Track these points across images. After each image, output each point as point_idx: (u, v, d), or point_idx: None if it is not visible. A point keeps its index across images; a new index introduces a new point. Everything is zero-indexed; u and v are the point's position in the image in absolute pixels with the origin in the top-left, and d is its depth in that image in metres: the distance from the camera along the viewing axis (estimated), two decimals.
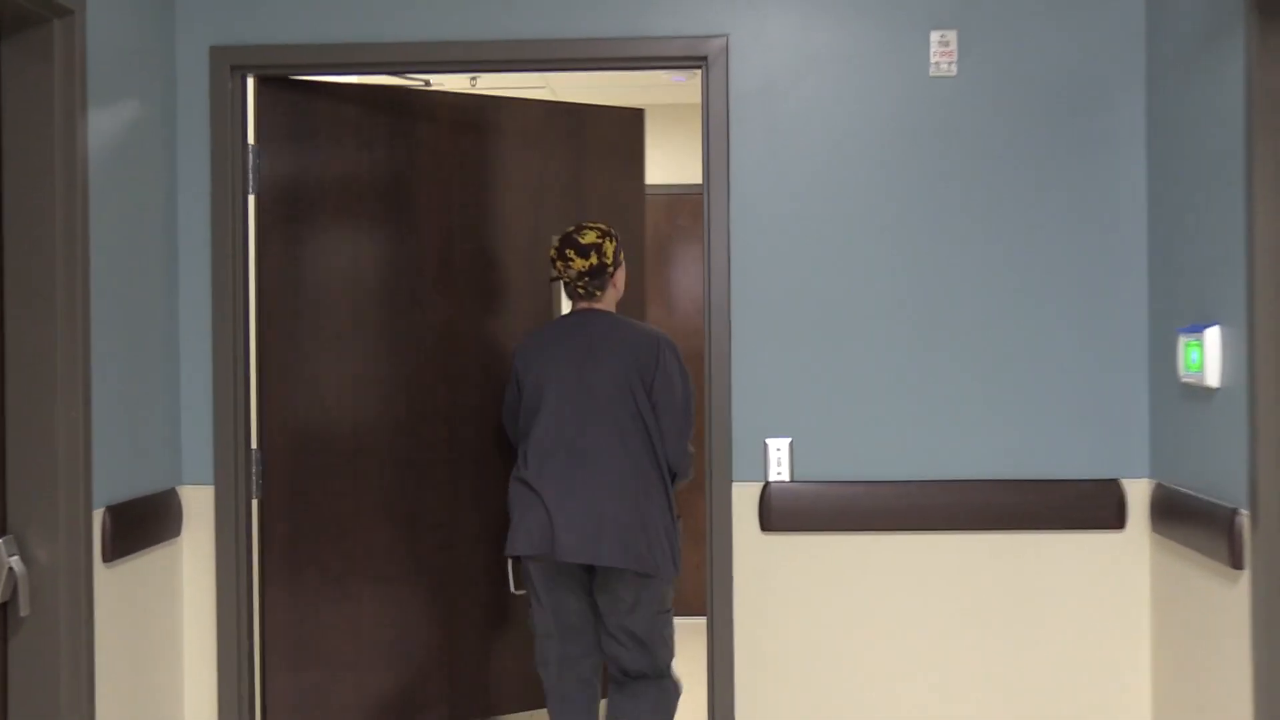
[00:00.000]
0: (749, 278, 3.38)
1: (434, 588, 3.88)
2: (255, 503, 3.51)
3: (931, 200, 3.34)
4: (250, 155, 3.48)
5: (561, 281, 3.72)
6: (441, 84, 6.46)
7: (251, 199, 3.51)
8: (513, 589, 3.58)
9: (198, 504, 3.38)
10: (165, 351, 3.30)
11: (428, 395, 3.90)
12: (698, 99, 6.89)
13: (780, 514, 3.32)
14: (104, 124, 2.89)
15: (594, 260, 3.56)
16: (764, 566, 3.34)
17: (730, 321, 3.39)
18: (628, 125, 4.40)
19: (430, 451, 3.90)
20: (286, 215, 3.64)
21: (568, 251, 3.58)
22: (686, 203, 7.07)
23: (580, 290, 3.61)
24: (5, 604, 2.65)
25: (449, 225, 3.97)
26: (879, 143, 3.34)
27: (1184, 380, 2.96)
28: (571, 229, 3.63)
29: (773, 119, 3.36)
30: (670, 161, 7.13)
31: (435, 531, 3.91)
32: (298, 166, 3.66)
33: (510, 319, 4.09)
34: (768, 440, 3.35)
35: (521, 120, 4.11)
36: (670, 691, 3.52)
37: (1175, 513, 3.05)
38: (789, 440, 3.34)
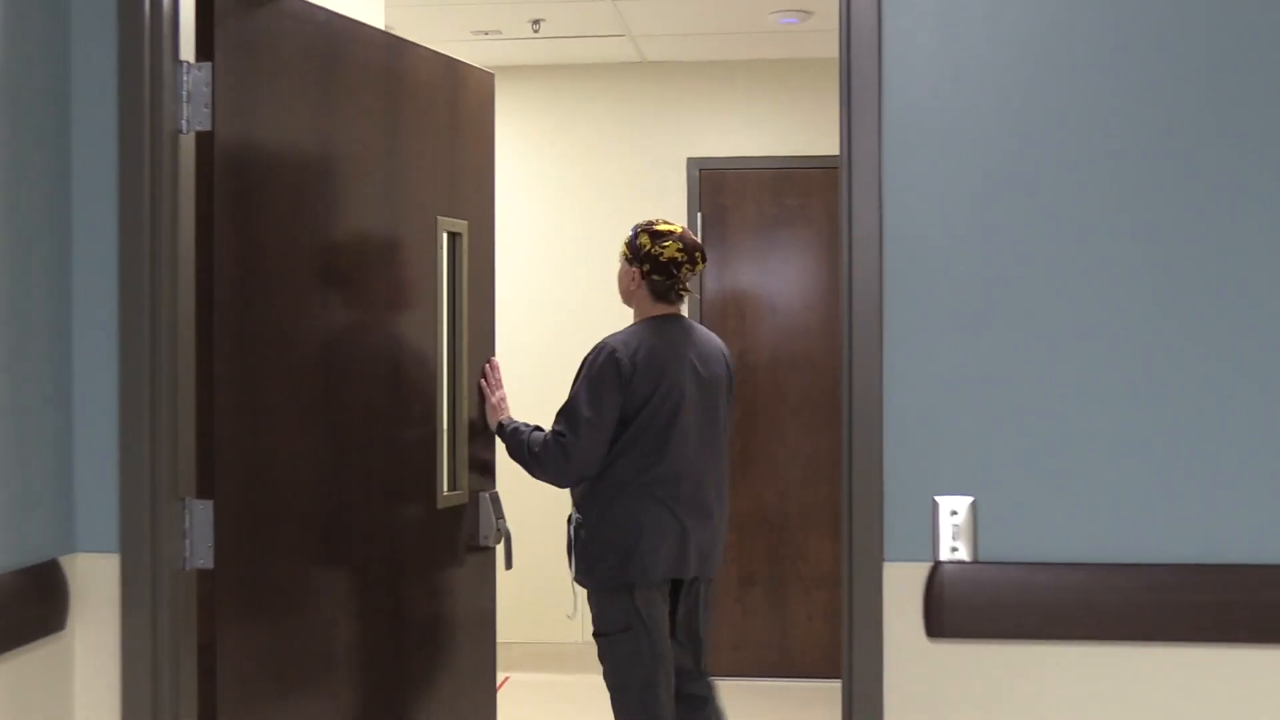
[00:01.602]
0: (912, 262, 2.28)
1: None
2: (187, 576, 2.47)
3: (1205, 139, 2.20)
4: (184, 77, 2.44)
5: (652, 281, 3.68)
6: (500, 31, 5.42)
7: (188, 141, 2.47)
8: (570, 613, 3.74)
9: (95, 580, 2.35)
10: (50, 361, 2.28)
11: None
12: (806, 51, 5.76)
13: (958, 611, 2.20)
14: None
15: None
16: (931, 691, 2.22)
17: (882, 325, 2.28)
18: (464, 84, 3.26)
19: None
20: (240, 168, 2.60)
21: (697, 255, 3.69)
22: (792, 179, 5.94)
23: (683, 292, 3.73)
24: None
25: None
26: (1120, 55, 2.21)
27: None
28: (677, 228, 3.74)
29: (949, 33, 2.25)
30: (770, 128, 6.00)
31: None
32: (260, 98, 2.62)
33: None
34: (939, 499, 2.23)
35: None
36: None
37: None
38: (970, 500, 2.22)
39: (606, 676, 3.56)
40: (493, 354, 3.48)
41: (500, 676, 4.24)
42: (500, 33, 5.44)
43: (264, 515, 2.64)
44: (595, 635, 3.56)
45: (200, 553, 2.46)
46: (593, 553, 3.49)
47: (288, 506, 2.70)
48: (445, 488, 3.19)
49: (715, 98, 6.01)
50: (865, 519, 2.26)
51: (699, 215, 5.94)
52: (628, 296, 3.76)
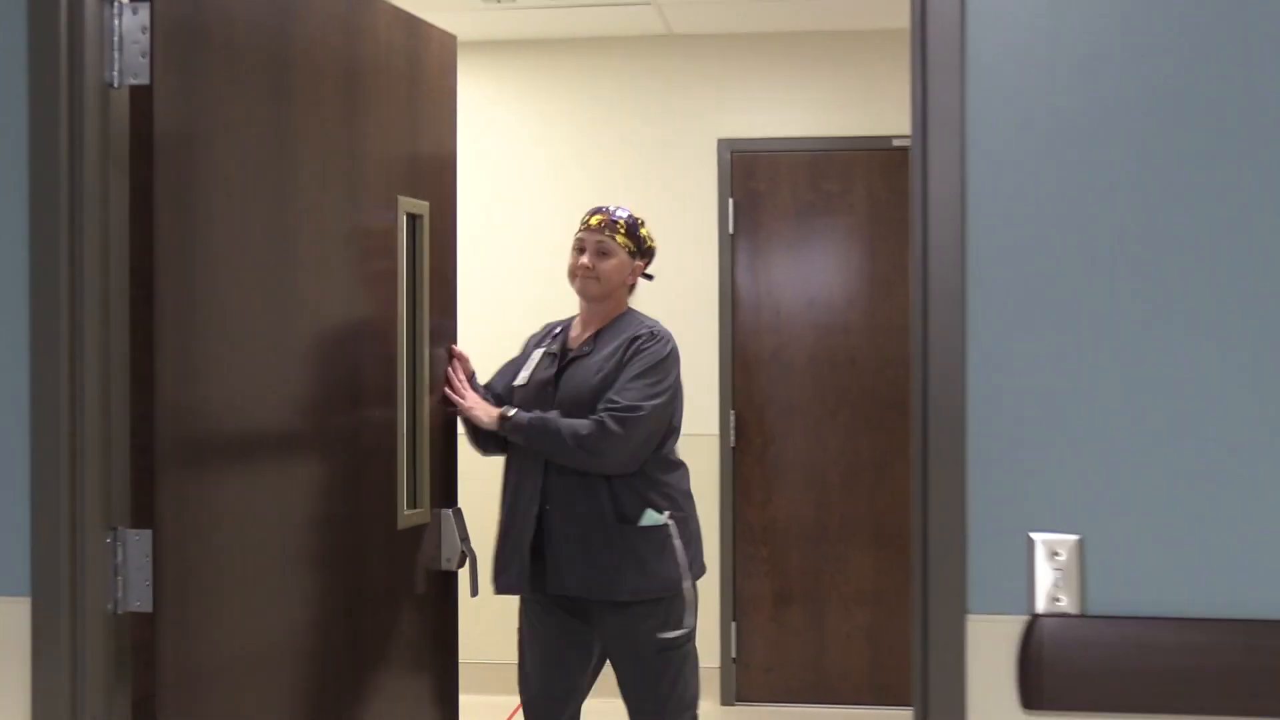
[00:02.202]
0: (1001, 254, 1.85)
1: None
2: (119, 621, 2.06)
3: None
4: (115, 21, 2.03)
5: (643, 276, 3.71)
6: None
7: (120, 97, 2.06)
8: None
9: (1, 630, 1.94)
10: None
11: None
12: (848, 22, 5.31)
13: (1062, 677, 1.76)
14: None
15: None
16: None
17: (965, 327, 1.86)
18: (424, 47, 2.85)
19: None
20: (185, 129, 2.19)
21: None
22: (832, 162, 5.49)
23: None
24: None
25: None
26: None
27: None
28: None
29: None
30: (808, 107, 5.56)
31: None
32: (208, 47, 2.21)
33: None
34: (1036, 537, 1.80)
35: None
36: None
37: None
38: (1075, 539, 1.79)
39: (667, 698, 3.40)
40: (454, 343, 3.12)
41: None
42: (514, 0, 5.02)
43: (213, 547, 2.23)
44: (671, 646, 3.37)
45: (136, 593, 2.05)
46: (693, 547, 3.49)
47: (240, 535, 2.29)
48: (405, 505, 2.79)
49: (748, 73, 5.57)
50: (944, 561, 1.84)
51: (730, 201, 5.50)
52: (615, 290, 3.58)
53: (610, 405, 3.34)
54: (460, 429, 3.20)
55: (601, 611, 3.39)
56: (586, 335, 3.57)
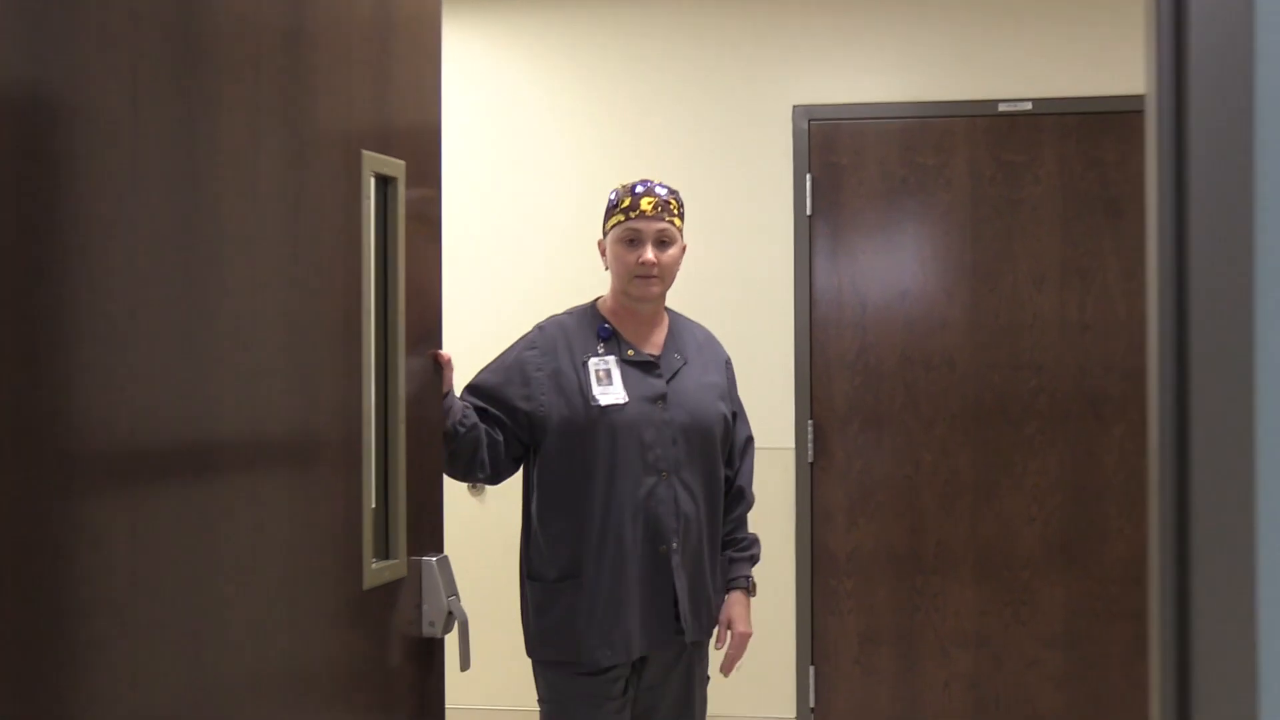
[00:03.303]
0: None
1: None
2: None
3: None
4: None
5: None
6: None
7: None
8: None
9: None
10: None
11: None
12: None
13: None
14: None
15: None
16: None
17: (1252, 330, 1.15)
18: None
19: None
20: (38, 55, 1.54)
21: None
22: (928, 131, 4.77)
23: None
24: None
25: None
26: None
27: None
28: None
29: None
30: (899, 67, 4.83)
31: None
32: None
33: None
34: None
35: None
36: None
37: None
38: None
39: None
40: (439, 346, 2.49)
41: None
42: None
43: (80, 640, 1.58)
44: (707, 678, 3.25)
45: None
46: None
47: (124, 613, 1.64)
48: (373, 556, 2.14)
49: (827, 29, 4.86)
50: (1218, 656, 1.14)
51: (808, 178, 4.80)
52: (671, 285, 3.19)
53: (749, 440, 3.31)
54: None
55: (666, 658, 3.06)
56: (657, 339, 3.11)
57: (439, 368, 2.52)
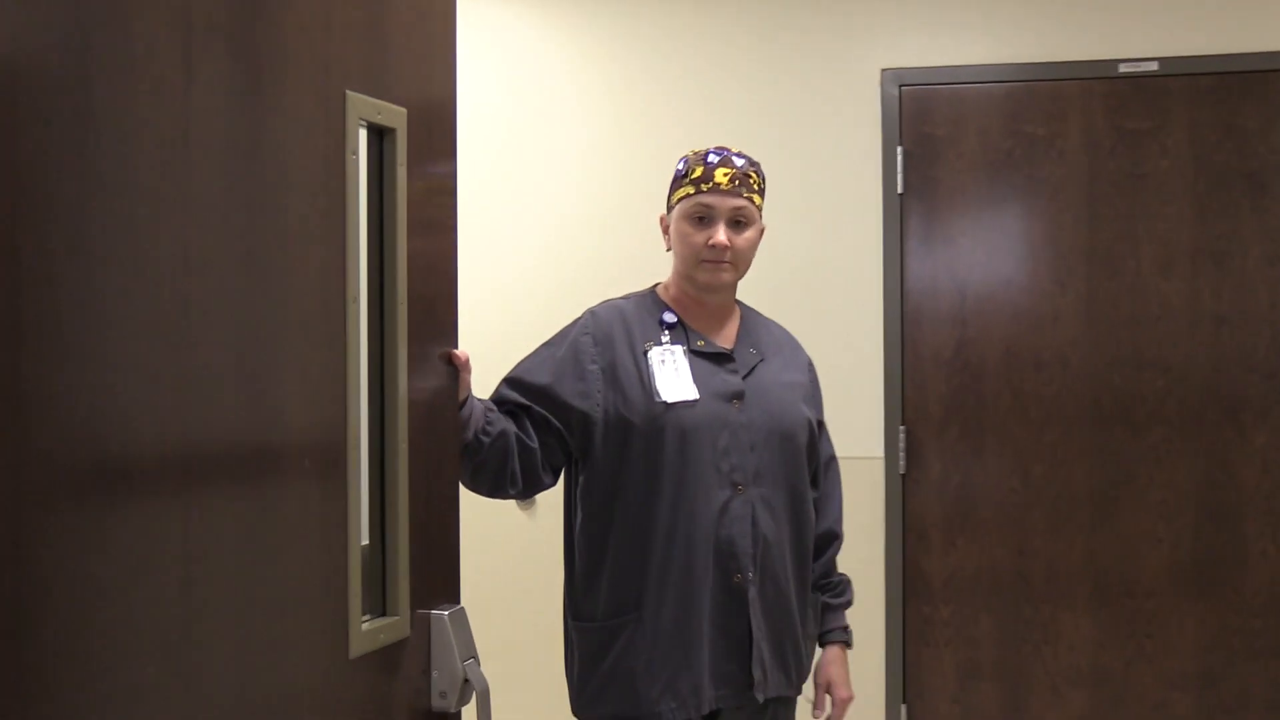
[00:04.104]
0: None
1: None
2: None
3: None
4: None
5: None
6: None
7: None
8: None
9: None
10: None
11: None
12: None
13: None
14: None
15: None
16: None
17: None
18: None
19: None
20: None
21: None
22: (1037, 96, 4.25)
23: None
24: None
25: None
26: None
27: None
28: None
29: None
30: (1004, 24, 4.30)
31: None
32: None
33: None
34: None
35: None
36: None
37: None
38: None
39: None
40: (454, 344, 2.05)
41: None
42: None
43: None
44: None
45: None
46: None
47: (58, 676, 1.18)
48: (364, 612, 1.70)
49: None
50: None
51: (899, 150, 4.29)
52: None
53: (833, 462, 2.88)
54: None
55: (742, 717, 2.62)
56: (729, 331, 2.68)
57: (455, 370, 2.07)
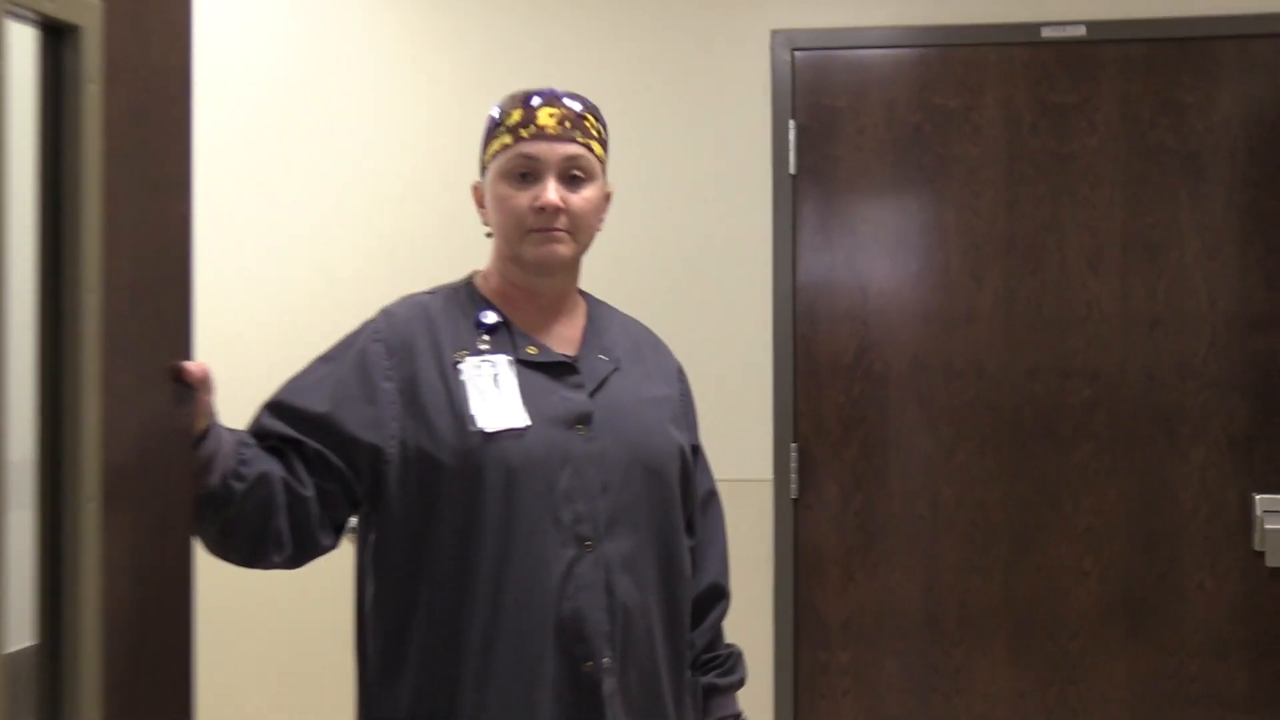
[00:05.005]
0: None
1: None
2: None
3: None
4: None
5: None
6: None
7: None
8: None
9: None
10: None
11: None
12: None
13: None
14: None
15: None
16: None
17: None
18: None
19: None
20: None
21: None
22: (951, 65, 3.78)
23: None
24: None
25: None
26: None
27: None
28: None
29: None
30: None
31: None
32: None
33: None
34: None
35: None
36: None
37: None
38: None
39: None
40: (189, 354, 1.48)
41: None
42: None
43: None
44: None
45: None
46: None
47: None
48: None
49: None
50: None
51: (791, 126, 3.78)
52: (588, 246, 2.18)
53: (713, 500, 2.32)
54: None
55: None
56: (569, 332, 2.10)
57: (188, 389, 1.50)
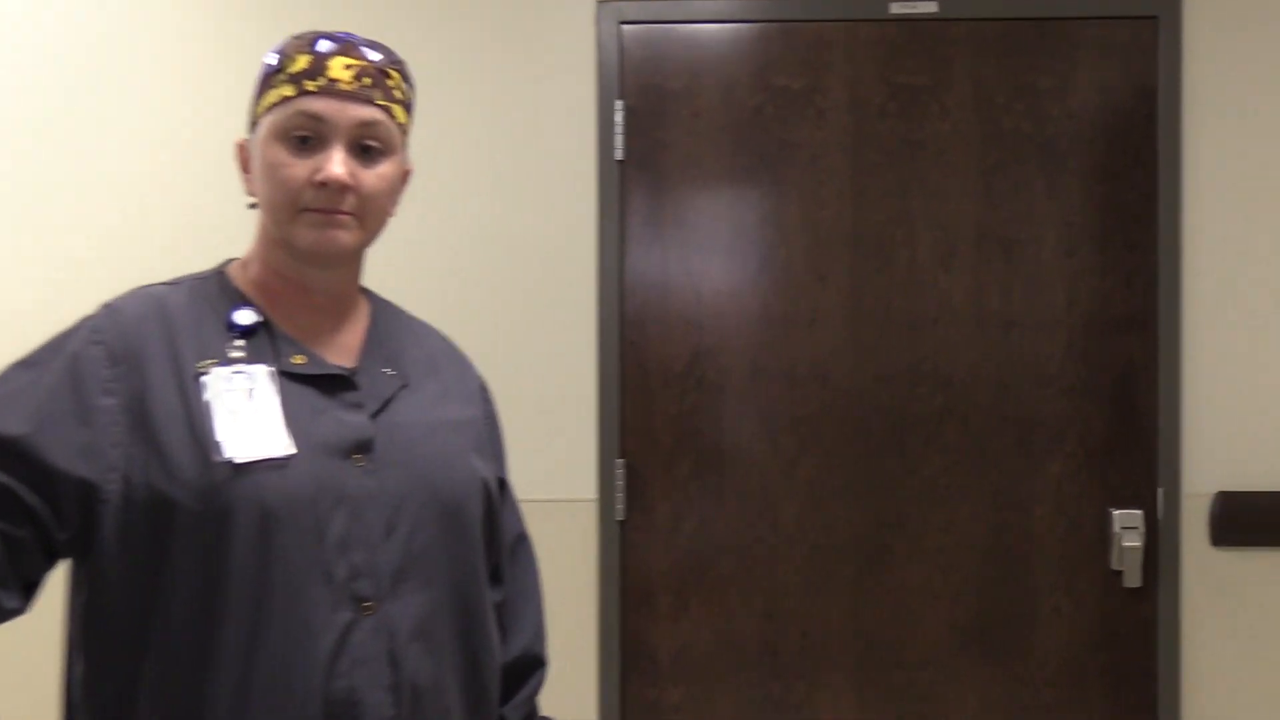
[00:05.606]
0: None
1: None
2: None
3: None
4: None
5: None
6: None
7: None
8: None
9: None
10: None
11: None
12: None
13: None
14: None
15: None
16: None
17: None
18: None
19: None
20: None
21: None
22: (795, 42, 3.49)
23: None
24: None
25: None
26: None
27: None
28: None
29: None
30: None
31: None
32: None
33: None
34: None
35: None
36: None
37: None
38: None
39: None
40: None
41: None
42: None
43: None
44: None
45: None
46: None
47: None
48: None
49: None
50: None
51: (618, 106, 3.45)
52: (378, 232, 1.78)
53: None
54: None
55: None
56: (348, 339, 1.71)
57: None
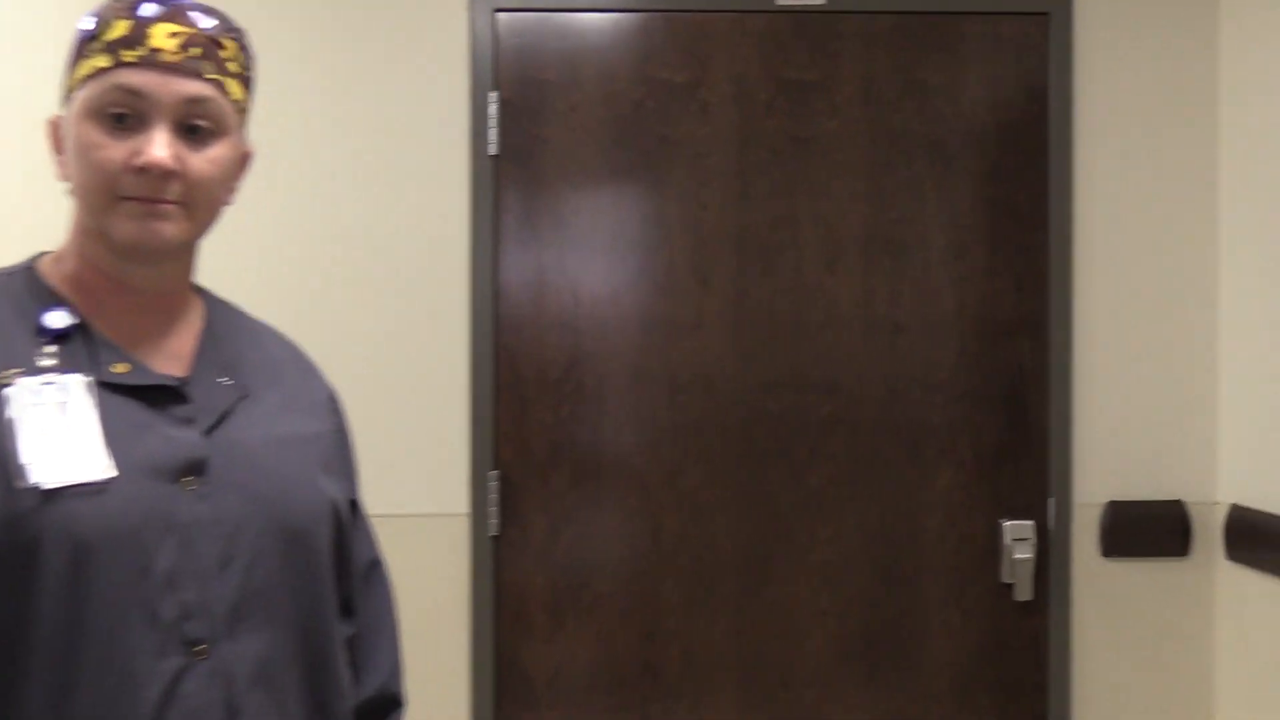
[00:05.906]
0: None
1: None
2: None
3: None
4: None
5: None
6: None
7: None
8: None
9: None
10: None
11: None
12: None
13: None
14: None
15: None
16: None
17: None
18: None
19: None
20: None
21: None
22: (680, 33, 3.36)
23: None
24: None
25: None
26: None
27: None
28: None
29: None
30: None
31: None
32: None
33: None
34: None
35: None
36: None
37: None
38: None
39: None
40: None
41: None
42: None
43: None
44: None
45: None
46: None
47: None
48: None
49: None
50: None
51: (492, 98, 3.29)
52: (210, 225, 1.62)
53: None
54: None
55: None
56: (178, 345, 1.53)
57: None
